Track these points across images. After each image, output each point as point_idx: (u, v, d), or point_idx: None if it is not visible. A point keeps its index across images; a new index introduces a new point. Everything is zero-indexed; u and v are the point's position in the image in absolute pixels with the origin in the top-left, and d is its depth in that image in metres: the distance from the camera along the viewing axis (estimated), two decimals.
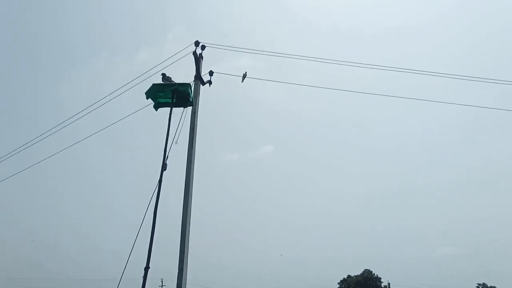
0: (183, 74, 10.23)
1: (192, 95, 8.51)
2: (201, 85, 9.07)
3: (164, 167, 8.38)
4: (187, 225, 8.50)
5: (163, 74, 8.50)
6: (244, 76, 9.64)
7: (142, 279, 6.96)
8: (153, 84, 8.40)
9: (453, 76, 13.72)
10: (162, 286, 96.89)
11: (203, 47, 9.16)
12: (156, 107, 8.43)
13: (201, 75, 9.11)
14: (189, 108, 8.61)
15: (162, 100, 8.29)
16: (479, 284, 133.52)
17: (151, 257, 7.31)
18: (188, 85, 8.37)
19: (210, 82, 9.25)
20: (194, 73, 9.07)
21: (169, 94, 8.17)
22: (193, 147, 8.61)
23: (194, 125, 8.74)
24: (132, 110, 11.94)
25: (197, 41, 9.09)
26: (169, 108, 8.37)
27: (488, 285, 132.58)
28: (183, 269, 8.45)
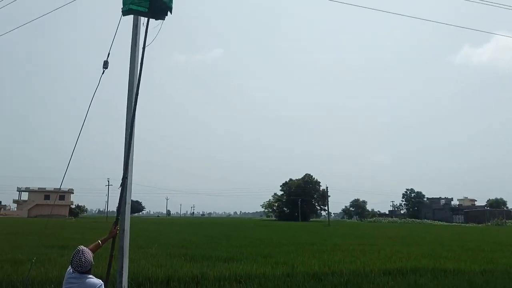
0: None
1: (172, 7, 7.30)
2: None
3: (105, 65, 7.93)
4: (132, 126, 8.31)
5: None
6: None
7: (120, 187, 6.88)
8: None
9: None
10: (108, 185, 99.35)
11: None
12: (125, 12, 7.30)
13: None
14: (159, 21, 7.58)
15: (134, 7, 7.12)
16: (407, 189, 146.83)
17: (128, 168, 7.11)
18: None
19: None
20: None
21: (146, 3, 7.09)
22: (137, 42, 8.12)
23: (137, 21, 8.16)
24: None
25: None
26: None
27: (415, 190, 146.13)
28: (128, 168, 8.40)
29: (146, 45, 7.26)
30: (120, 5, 7.14)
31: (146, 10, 7.10)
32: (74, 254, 4.07)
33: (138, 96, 8.31)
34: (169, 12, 7.33)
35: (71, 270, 4.10)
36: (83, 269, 4.03)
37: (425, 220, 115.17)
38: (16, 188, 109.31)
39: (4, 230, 34.62)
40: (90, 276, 4.09)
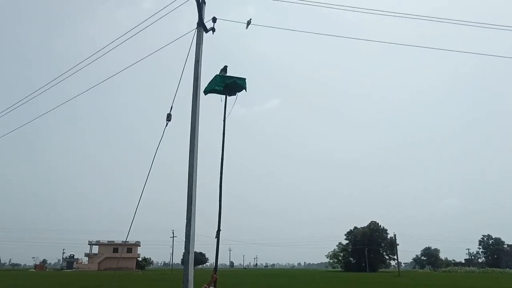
0: (186, 22, 9.87)
1: (246, 86, 8.76)
2: (204, 32, 8.79)
3: (168, 118, 8.30)
4: (194, 176, 8.44)
5: (225, 66, 8.88)
6: (249, 22, 9.30)
7: (216, 239, 7.79)
8: (216, 75, 8.80)
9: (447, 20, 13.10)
10: (173, 236, 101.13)
11: None
12: (206, 92, 8.92)
13: (204, 22, 8.81)
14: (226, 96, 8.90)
15: (215, 88, 8.75)
16: (484, 236, 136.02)
17: (221, 221, 7.94)
18: (244, 80, 8.76)
19: (213, 29, 8.93)
20: (197, 20, 8.77)
21: (223, 84, 8.65)
22: (197, 96, 8.42)
23: (197, 74, 8.51)
24: (135, 59, 11.70)
25: None
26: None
27: (493, 236, 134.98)
28: (191, 219, 8.48)
29: (226, 116, 8.60)
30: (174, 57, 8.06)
31: (221, 89, 8.57)
32: None
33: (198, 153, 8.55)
34: (244, 90, 8.76)
35: None
36: None
37: (507, 269, 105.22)
38: (87, 242, 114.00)
39: (77, 283, 35.84)
40: None
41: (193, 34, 8.86)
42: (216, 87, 8.58)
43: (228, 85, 8.54)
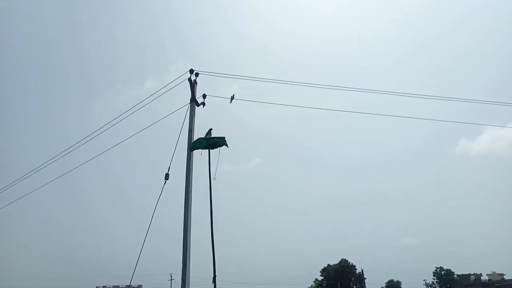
0: (182, 98, 10.16)
1: (227, 144, 8.87)
2: (196, 106, 9.06)
3: (166, 177, 8.30)
4: (188, 225, 8.31)
5: (210, 129, 9.04)
6: (232, 97, 9.66)
7: (213, 284, 7.75)
8: (199, 138, 9.05)
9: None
10: (171, 279, 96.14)
11: (196, 74, 9.15)
12: (192, 149, 9.06)
13: (196, 98, 9.10)
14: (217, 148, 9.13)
15: (199, 146, 8.99)
16: (437, 268, 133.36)
17: (216, 267, 7.89)
18: (224, 138, 8.93)
19: (203, 103, 9.22)
20: (190, 96, 9.06)
21: (203, 145, 8.91)
22: (191, 159, 8.49)
23: (191, 140, 8.66)
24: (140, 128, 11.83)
25: (191, 69, 9.07)
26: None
27: (445, 268, 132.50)
28: (186, 264, 8.25)
29: (212, 169, 8.75)
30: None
31: (204, 144, 8.74)
32: None
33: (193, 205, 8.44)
34: (225, 146, 8.82)
35: None
36: None
37: None
38: (95, 287, 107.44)
39: None
40: None
41: (187, 108, 9.11)
42: (200, 146, 8.75)
43: (209, 144, 8.74)
